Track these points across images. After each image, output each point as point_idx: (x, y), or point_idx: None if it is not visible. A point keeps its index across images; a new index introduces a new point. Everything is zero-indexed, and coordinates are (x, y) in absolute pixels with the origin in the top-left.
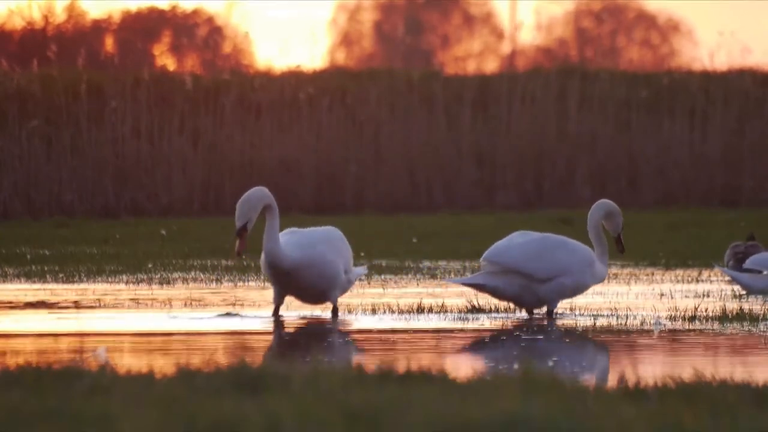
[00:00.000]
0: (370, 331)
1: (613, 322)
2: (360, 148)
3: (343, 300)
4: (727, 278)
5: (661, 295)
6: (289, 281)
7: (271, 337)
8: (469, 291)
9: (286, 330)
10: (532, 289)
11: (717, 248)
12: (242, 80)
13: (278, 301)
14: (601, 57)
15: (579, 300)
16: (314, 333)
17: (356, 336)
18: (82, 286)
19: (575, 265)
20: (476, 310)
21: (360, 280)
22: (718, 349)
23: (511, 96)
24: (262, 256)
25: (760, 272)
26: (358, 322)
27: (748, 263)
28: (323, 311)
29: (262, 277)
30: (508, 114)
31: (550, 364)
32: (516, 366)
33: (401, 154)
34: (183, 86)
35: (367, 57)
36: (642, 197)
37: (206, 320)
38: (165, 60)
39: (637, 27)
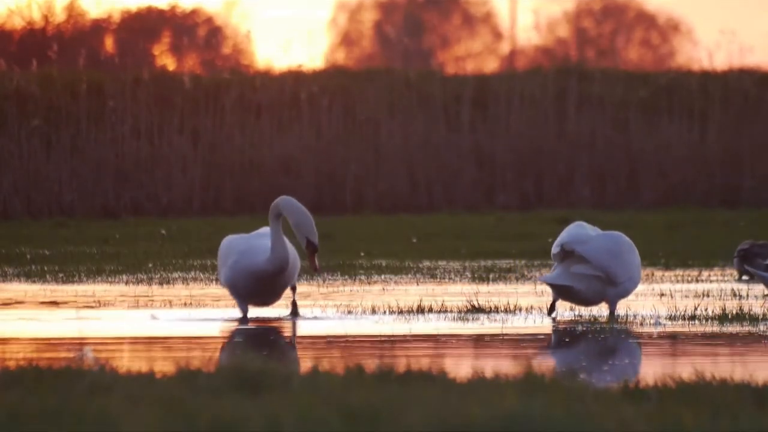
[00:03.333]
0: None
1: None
2: (360, 147)
3: (343, 301)
4: (726, 278)
5: (661, 295)
6: (273, 282)
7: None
8: (470, 291)
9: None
10: (601, 289)
11: (717, 248)
12: (242, 80)
13: (245, 309)
14: (600, 57)
15: None
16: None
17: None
18: (82, 286)
19: (638, 270)
20: (476, 310)
21: (360, 280)
22: (718, 349)
23: (510, 96)
24: (257, 264)
25: None
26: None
27: None
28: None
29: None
30: (508, 114)
31: (550, 363)
32: (516, 366)
33: (401, 154)
34: (183, 86)
35: (367, 57)
36: (641, 197)
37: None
38: (165, 60)
39: (637, 27)
